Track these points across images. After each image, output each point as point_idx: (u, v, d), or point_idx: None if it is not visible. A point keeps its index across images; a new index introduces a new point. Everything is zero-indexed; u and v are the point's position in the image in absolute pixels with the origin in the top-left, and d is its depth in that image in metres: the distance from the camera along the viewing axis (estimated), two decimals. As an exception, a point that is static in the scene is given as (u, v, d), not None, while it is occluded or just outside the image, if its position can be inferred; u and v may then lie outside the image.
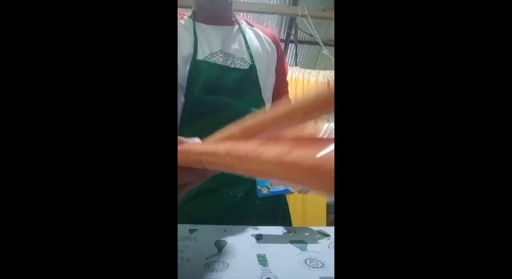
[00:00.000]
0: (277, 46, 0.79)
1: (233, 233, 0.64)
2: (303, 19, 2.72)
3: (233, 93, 0.69)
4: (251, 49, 0.74)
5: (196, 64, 0.68)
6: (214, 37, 0.73)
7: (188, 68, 0.68)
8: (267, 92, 0.77)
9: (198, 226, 0.69)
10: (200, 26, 0.73)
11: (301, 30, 2.99)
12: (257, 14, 3.27)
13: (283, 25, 3.81)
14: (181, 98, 0.69)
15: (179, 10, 0.80)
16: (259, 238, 0.61)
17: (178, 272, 0.42)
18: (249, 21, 0.82)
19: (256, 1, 3.00)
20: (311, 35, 2.78)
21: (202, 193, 0.69)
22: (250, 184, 0.70)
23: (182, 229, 0.65)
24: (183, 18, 0.76)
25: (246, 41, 0.75)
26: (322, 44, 2.70)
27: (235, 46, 0.73)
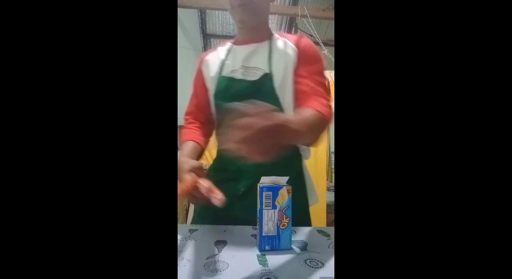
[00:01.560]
0: (299, 47, 0.79)
1: (233, 233, 0.64)
2: (303, 19, 2.72)
3: (241, 100, 0.73)
4: (272, 58, 0.78)
5: (217, 80, 0.80)
6: (242, 55, 0.81)
7: (214, 83, 0.80)
8: (287, 98, 0.76)
9: (198, 226, 0.69)
10: (235, 48, 0.84)
11: (301, 30, 2.99)
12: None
13: (283, 25, 3.81)
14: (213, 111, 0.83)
15: (226, 41, 0.90)
16: (259, 238, 0.60)
17: (178, 272, 0.42)
18: (282, 33, 0.86)
19: (256, 1, 3.00)
20: (311, 35, 2.78)
21: (216, 184, 0.74)
22: (254, 180, 0.71)
23: (182, 229, 0.65)
24: (226, 45, 0.87)
25: (270, 51, 0.79)
26: (322, 45, 2.70)
27: (258, 58, 0.78)
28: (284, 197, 0.54)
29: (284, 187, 0.54)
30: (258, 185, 0.56)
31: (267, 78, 0.76)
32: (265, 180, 0.57)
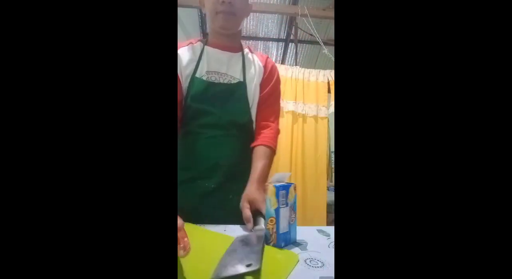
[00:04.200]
0: (266, 67, 0.91)
1: (233, 233, 0.64)
2: (303, 18, 2.72)
3: (215, 103, 0.83)
4: (245, 69, 0.87)
5: (192, 80, 0.83)
6: (215, 59, 0.86)
7: (187, 84, 0.84)
8: (254, 106, 0.88)
9: (200, 225, 0.69)
10: (208, 49, 0.87)
11: (301, 29, 2.99)
12: (257, 13, 3.26)
13: (283, 25, 3.81)
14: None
15: (195, 38, 0.94)
16: (259, 237, 0.60)
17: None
18: (251, 48, 0.97)
19: (256, 1, 3.00)
20: (311, 35, 2.77)
21: (182, 183, 0.80)
22: (224, 178, 0.81)
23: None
24: (197, 42, 0.91)
25: (243, 63, 0.88)
26: (322, 44, 2.70)
27: (232, 67, 0.87)
28: (292, 194, 0.57)
29: (292, 185, 0.57)
30: (271, 184, 0.57)
31: (241, 85, 0.86)
32: (271, 179, 0.60)
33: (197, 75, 0.84)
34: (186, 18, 3.42)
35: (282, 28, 3.82)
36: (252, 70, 0.88)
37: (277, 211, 0.55)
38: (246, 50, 0.92)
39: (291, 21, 3.25)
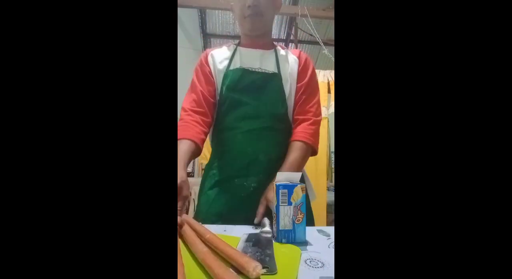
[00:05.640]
0: (300, 57, 0.89)
1: (233, 233, 0.63)
2: (303, 18, 2.72)
3: (251, 92, 0.81)
4: (279, 63, 0.87)
5: (226, 73, 0.84)
6: (248, 56, 0.87)
7: (221, 78, 0.84)
8: (291, 97, 0.85)
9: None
10: (241, 49, 0.89)
11: (301, 29, 2.99)
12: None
13: (283, 25, 3.81)
14: (215, 100, 0.86)
15: (229, 41, 0.96)
16: (259, 237, 0.60)
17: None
18: (283, 46, 0.97)
19: (256, 1, 2.99)
20: (311, 35, 2.78)
21: (219, 183, 0.79)
22: (264, 176, 0.77)
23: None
24: (230, 46, 0.92)
25: (276, 57, 0.88)
26: (322, 44, 2.70)
27: (265, 61, 0.86)
28: (298, 194, 0.58)
29: (299, 185, 0.58)
30: (274, 183, 0.59)
31: (276, 76, 0.84)
32: (280, 177, 0.60)
33: (231, 68, 0.84)
34: (186, 18, 3.42)
35: (282, 28, 3.82)
36: (286, 63, 0.87)
37: (277, 208, 0.57)
38: (278, 48, 0.92)
39: (291, 22, 3.25)
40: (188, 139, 0.74)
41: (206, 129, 0.81)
